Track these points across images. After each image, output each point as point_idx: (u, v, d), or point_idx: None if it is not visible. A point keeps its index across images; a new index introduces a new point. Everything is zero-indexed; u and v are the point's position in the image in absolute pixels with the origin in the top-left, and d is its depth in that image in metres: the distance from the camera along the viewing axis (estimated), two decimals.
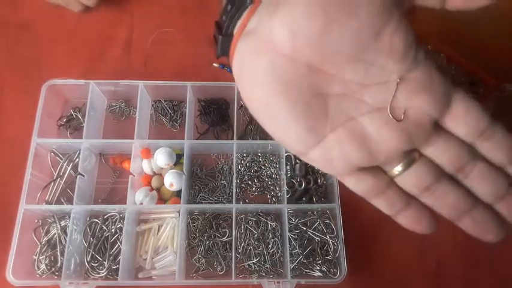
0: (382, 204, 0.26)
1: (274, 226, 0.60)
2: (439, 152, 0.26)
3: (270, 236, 0.59)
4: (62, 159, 0.62)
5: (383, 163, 0.26)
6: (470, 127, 0.25)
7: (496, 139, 0.25)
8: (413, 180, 0.26)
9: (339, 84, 0.24)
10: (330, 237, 0.59)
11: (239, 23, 0.26)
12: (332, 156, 0.25)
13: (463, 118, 0.25)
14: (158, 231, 0.60)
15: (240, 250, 0.59)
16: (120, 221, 0.58)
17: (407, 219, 0.26)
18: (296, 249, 0.58)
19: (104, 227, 0.59)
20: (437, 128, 0.25)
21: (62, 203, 0.60)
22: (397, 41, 0.23)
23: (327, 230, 0.59)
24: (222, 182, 0.63)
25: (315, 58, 0.24)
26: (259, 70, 0.24)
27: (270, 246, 0.59)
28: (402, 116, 0.25)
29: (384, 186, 0.26)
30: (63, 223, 0.58)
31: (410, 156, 0.26)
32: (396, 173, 0.26)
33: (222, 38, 0.27)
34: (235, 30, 0.26)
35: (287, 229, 0.57)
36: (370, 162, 0.25)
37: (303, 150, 0.25)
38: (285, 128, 0.25)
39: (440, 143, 0.26)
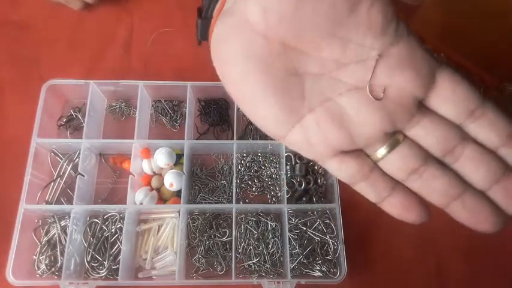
0: (367, 189, 0.25)
1: (274, 226, 0.60)
2: (424, 133, 0.24)
3: (270, 236, 0.59)
4: (62, 159, 0.62)
5: (365, 145, 0.25)
6: (458, 106, 0.24)
7: (487, 119, 0.23)
8: (397, 163, 0.24)
9: (315, 63, 0.23)
10: (330, 237, 0.59)
11: (217, 5, 0.25)
12: (311, 139, 0.24)
13: (449, 97, 0.24)
14: (158, 231, 0.60)
15: (240, 250, 0.59)
16: (120, 221, 0.58)
17: (395, 207, 0.24)
18: (296, 249, 0.58)
19: (104, 227, 0.59)
20: (422, 108, 0.24)
21: (62, 203, 0.60)
22: (375, 14, 0.22)
23: (327, 230, 0.59)
24: (222, 182, 0.63)
25: (289, 36, 0.23)
26: (235, 49, 0.23)
27: (270, 246, 0.59)
28: (382, 95, 0.23)
29: (367, 170, 0.24)
30: (63, 223, 0.58)
31: (394, 138, 0.24)
32: (379, 156, 0.24)
33: (202, 21, 0.27)
34: (214, 13, 0.25)
35: (287, 229, 0.57)
36: (350, 144, 0.24)
37: (281, 132, 0.24)
38: (261, 108, 0.24)
39: (426, 124, 0.24)
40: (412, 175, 0.24)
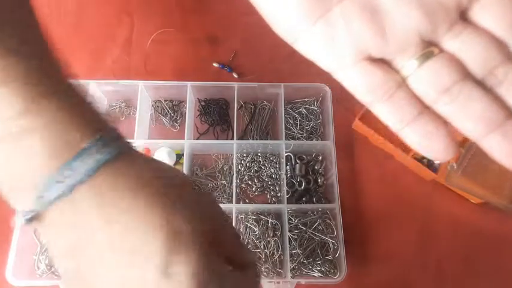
0: (389, 110, 0.21)
1: (274, 224, 0.60)
2: (464, 46, 0.21)
3: (271, 234, 0.59)
4: None
5: (397, 50, 0.21)
6: (504, 20, 0.20)
7: None
8: (429, 77, 0.21)
9: None
10: (330, 237, 0.59)
11: None
12: (336, 34, 0.21)
13: (494, 7, 0.21)
14: None
15: None
16: None
17: (417, 133, 0.21)
18: (296, 249, 0.58)
19: None
20: (463, 20, 0.21)
21: None
22: None
23: (327, 230, 0.59)
24: (222, 182, 0.63)
25: None
26: None
27: (270, 246, 0.59)
28: None
29: (393, 85, 0.21)
30: None
31: (428, 50, 0.21)
32: (409, 70, 0.21)
33: None
34: None
35: (287, 229, 0.57)
36: (381, 45, 0.21)
37: (303, 26, 0.21)
38: None
39: (467, 36, 0.21)
40: (445, 95, 0.20)
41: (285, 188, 0.59)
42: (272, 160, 0.65)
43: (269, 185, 0.63)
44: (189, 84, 0.62)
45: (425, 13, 0.20)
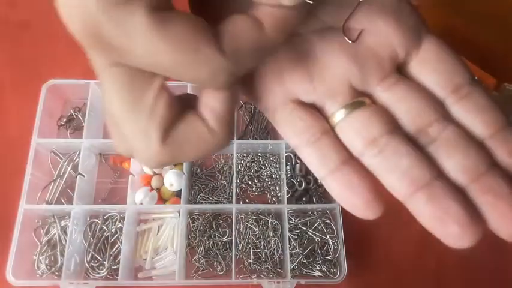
0: (313, 155, 0.20)
1: (274, 224, 0.60)
2: (397, 99, 0.20)
3: (271, 234, 0.59)
4: (62, 159, 0.62)
5: (324, 95, 0.20)
6: (443, 76, 0.20)
7: (474, 100, 0.19)
8: (356, 127, 0.19)
9: None
10: (330, 237, 0.59)
11: None
12: (266, 76, 0.21)
13: (433, 63, 0.20)
14: (158, 231, 0.60)
15: (240, 248, 0.59)
16: (120, 221, 0.58)
17: (339, 183, 0.19)
18: (296, 249, 0.58)
19: (104, 227, 0.59)
20: (399, 73, 0.20)
21: (62, 203, 0.60)
22: None
23: (327, 230, 0.59)
24: (222, 182, 0.63)
25: None
26: None
27: (270, 246, 0.59)
28: (356, 36, 0.20)
29: (319, 130, 0.20)
30: (63, 223, 0.58)
31: (359, 99, 0.20)
32: (338, 118, 0.20)
33: None
34: None
35: (287, 229, 0.57)
36: (309, 89, 0.20)
37: None
38: None
39: (400, 88, 0.20)
40: (372, 147, 0.19)
41: (285, 188, 0.59)
42: (272, 160, 0.65)
43: (269, 185, 0.64)
44: (189, 84, 0.62)
45: (356, 61, 0.20)
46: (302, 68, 0.20)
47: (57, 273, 0.56)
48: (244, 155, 0.65)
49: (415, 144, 0.19)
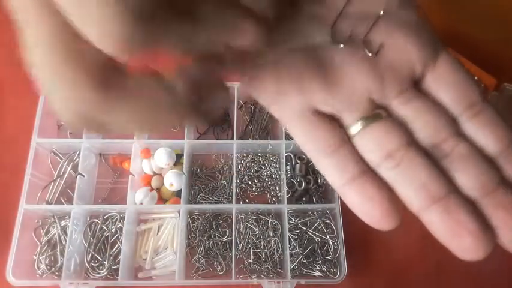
0: (331, 165, 0.20)
1: (274, 224, 0.60)
2: (413, 114, 0.20)
3: (271, 234, 0.59)
4: (62, 159, 0.62)
5: (342, 106, 0.21)
6: (458, 93, 0.20)
7: (486, 118, 0.20)
8: (374, 140, 0.20)
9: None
10: (330, 237, 0.59)
11: None
12: (286, 85, 0.21)
13: (449, 79, 0.21)
14: (158, 231, 0.60)
15: (240, 248, 0.59)
16: (120, 221, 0.58)
17: (356, 193, 0.20)
18: (296, 249, 0.58)
19: (104, 227, 0.59)
20: (416, 89, 0.21)
21: (62, 203, 0.60)
22: None
23: (327, 230, 0.59)
24: (222, 182, 0.63)
25: None
26: None
27: (270, 246, 0.59)
28: (377, 49, 0.21)
29: (337, 141, 0.20)
30: (63, 223, 0.58)
31: (376, 112, 0.20)
32: (355, 130, 0.20)
33: None
34: None
35: (287, 229, 0.57)
36: (329, 99, 0.20)
37: None
38: None
39: (417, 104, 0.20)
40: (388, 160, 0.19)
41: (285, 188, 0.59)
42: (272, 160, 0.65)
43: (269, 185, 0.64)
44: None
45: (375, 75, 0.20)
46: (322, 77, 0.20)
47: (57, 273, 0.56)
48: (244, 155, 0.65)
49: (430, 157, 0.20)
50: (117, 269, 0.54)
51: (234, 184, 0.59)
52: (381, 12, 0.21)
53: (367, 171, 0.20)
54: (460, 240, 0.19)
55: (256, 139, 0.64)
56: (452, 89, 0.20)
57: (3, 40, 0.70)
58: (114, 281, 0.54)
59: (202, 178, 0.63)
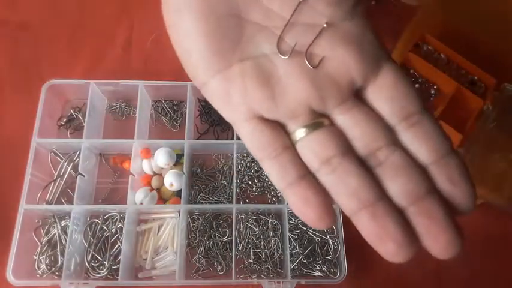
0: (274, 169, 0.22)
1: (274, 223, 0.60)
2: (352, 123, 0.22)
3: (271, 234, 0.59)
4: (62, 159, 0.62)
5: (286, 117, 0.22)
6: (396, 104, 0.22)
7: (423, 129, 0.21)
8: (314, 146, 0.21)
9: (260, 12, 0.22)
10: (330, 237, 0.59)
11: None
12: (232, 92, 0.22)
13: (389, 91, 0.22)
14: (158, 231, 0.60)
15: (240, 248, 0.59)
16: (120, 221, 0.58)
17: (296, 196, 0.21)
18: (296, 249, 0.58)
19: (104, 227, 0.59)
20: (356, 98, 0.22)
21: (62, 203, 0.60)
22: None
23: (327, 230, 0.59)
24: (222, 182, 0.63)
25: None
26: None
27: (270, 246, 0.59)
28: (317, 62, 0.22)
29: (280, 146, 0.22)
30: (63, 223, 0.58)
31: (318, 120, 0.22)
32: (298, 137, 0.22)
33: None
34: None
35: (287, 229, 0.57)
36: (271, 109, 0.22)
37: (203, 76, 0.22)
38: (189, 41, 0.23)
39: (356, 114, 0.22)
40: (325, 166, 0.21)
41: None
42: None
43: (269, 185, 0.64)
44: (189, 84, 0.62)
45: (316, 86, 0.22)
46: (265, 87, 0.22)
47: (57, 273, 0.56)
48: (245, 155, 0.65)
49: (364, 166, 0.21)
50: (117, 269, 0.54)
51: (234, 184, 0.59)
52: (324, 25, 0.22)
53: (307, 176, 0.21)
54: (384, 245, 0.21)
55: None
56: (390, 100, 0.22)
57: (4, 41, 0.70)
58: (115, 281, 0.54)
59: (203, 178, 0.63)
